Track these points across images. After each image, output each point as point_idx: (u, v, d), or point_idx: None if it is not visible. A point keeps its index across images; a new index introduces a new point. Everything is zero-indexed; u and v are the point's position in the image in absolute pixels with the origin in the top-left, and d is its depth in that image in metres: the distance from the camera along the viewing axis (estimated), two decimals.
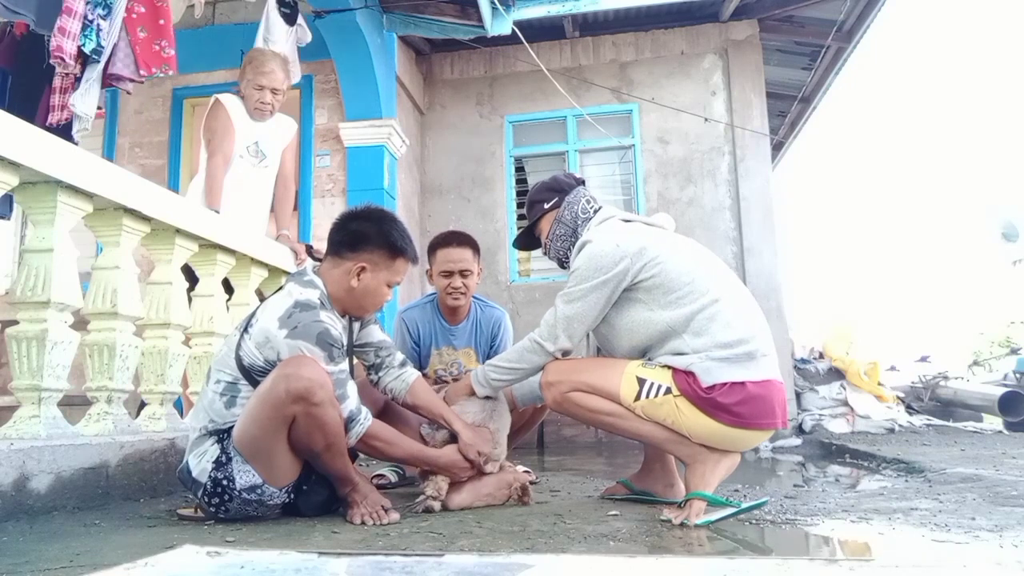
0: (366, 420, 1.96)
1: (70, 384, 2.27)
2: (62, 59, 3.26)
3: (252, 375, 1.91)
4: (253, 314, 2.01)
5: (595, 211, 2.25)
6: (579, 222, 2.23)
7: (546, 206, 2.27)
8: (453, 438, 2.13)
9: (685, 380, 1.91)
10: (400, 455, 2.13)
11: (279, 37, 4.70)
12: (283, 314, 1.89)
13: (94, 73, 3.50)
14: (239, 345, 1.94)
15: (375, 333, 2.24)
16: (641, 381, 1.96)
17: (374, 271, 2.02)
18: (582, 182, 2.34)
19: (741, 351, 1.91)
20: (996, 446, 4.43)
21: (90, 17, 3.38)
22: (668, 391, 1.92)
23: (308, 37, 4.98)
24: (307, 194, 5.62)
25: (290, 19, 4.91)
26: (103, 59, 3.49)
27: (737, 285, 2.09)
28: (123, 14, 3.54)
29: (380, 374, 2.23)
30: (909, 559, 1.40)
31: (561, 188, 2.28)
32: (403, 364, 2.25)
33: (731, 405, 1.87)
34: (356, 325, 2.21)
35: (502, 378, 2.19)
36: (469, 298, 3.03)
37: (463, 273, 2.93)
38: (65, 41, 3.23)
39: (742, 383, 1.88)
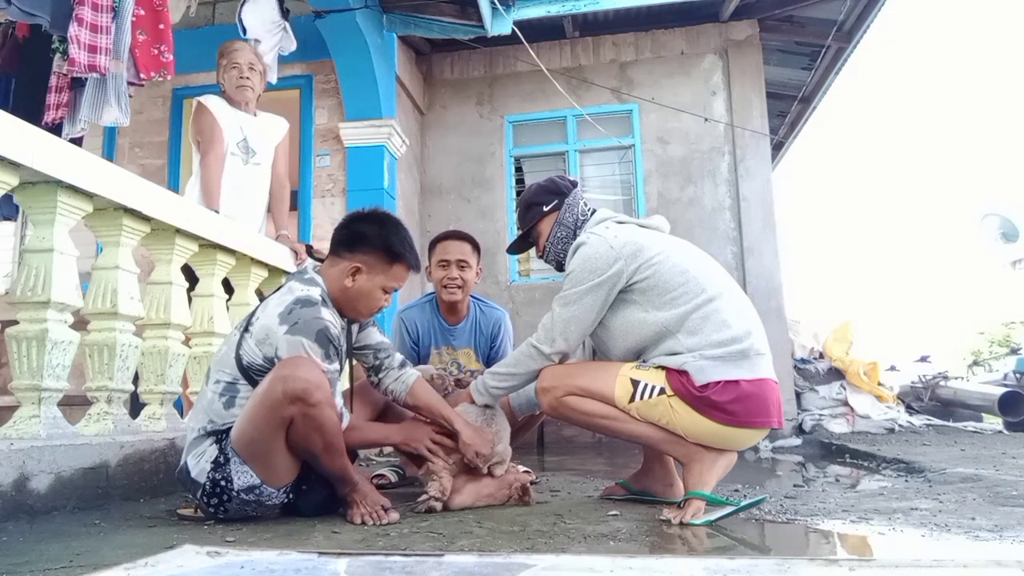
0: (344, 419, 1.98)
1: (70, 384, 2.27)
2: (72, 71, 3.29)
3: (251, 374, 1.91)
4: (253, 313, 2.01)
5: (591, 213, 2.25)
6: (579, 224, 2.22)
7: (545, 209, 2.26)
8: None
9: (679, 380, 1.91)
10: (362, 443, 2.21)
11: (265, 19, 4.68)
12: (284, 310, 1.90)
13: (107, 78, 3.50)
14: (239, 344, 1.94)
15: (374, 335, 2.24)
16: (635, 383, 1.96)
17: (369, 273, 2.02)
18: (576, 184, 2.34)
19: (735, 349, 1.91)
20: (996, 446, 4.43)
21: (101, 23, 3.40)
22: (662, 391, 1.93)
23: (292, 46, 4.96)
24: (307, 194, 5.62)
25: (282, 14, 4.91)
26: (110, 61, 3.49)
27: (732, 285, 2.09)
28: (132, 18, 3.55)
29: (380, 376, 2.23)
30: (909, 559, 1.40)
31: (560, 190, 2.27)
32: (402, 365, 2.25)
33: (725, 403, 1.87)
34: (355, 328, 2.21)
35: (501, 385, 2.19)
36: (467, 294, 3.02)
37: (460, 264, 2.92)
38: (80, 53, 3.25)
39: (736, 381, 1.89)
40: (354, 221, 2.09)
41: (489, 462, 2.13)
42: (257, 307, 2.05)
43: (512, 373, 2.17)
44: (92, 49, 3.31)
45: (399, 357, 2.26)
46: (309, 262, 2.22)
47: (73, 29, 3.24)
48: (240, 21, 4.62)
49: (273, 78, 4.86)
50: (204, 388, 2.01)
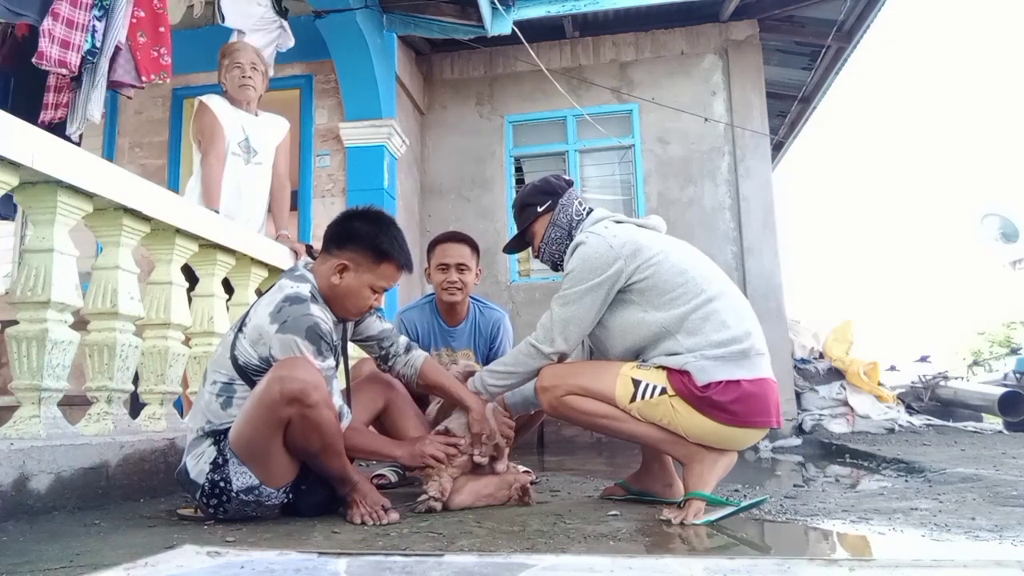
0: (346, 418, 1.98)
1: (70, 384, 2.27)
2: (40, 64, 3.27)
3: (247, 374, 1.91)
4: (247, 313, 2.01)
5: (587, 212, 2.24)
6: (573, 224, 2.21)
7: (539, 209, 2.25)
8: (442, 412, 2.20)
9: (680, 380, 1.91)
10: (363, 450, 2.15)
11: (253, 14, 4.68)
12: (274, 309, 1.90)
13: (96, 76, 3.49)
14: (234, 344, 1.94)
15: (373, 326, 2.22)
16: (636, 382, 1.96)
17: (356, 271, 2.00)
18: (571, 183, 2.33)
19: (735, 349, 1.91)
20: (996, 446, 4.43)
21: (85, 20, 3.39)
22: (663, 391, 1.92)
23: (290, 42, 4.94)
24: (307, 194, 5.62)
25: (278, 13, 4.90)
26: (99, 60, 3.48)
27: (730, 285, 2.09)
28: (128, 18, 3.54)
29: (389, 364, 2.24)
30: (909, 559, 1.40)
31: (554, 190, 2.27)
32: (408, 349, 2.24)
33: (727, 403, 1.87)
34: (351, 324, 2.20)
35: (499, 383, 2.19)
36: (466, 296, 3.02)
37: (459, 267, 2.93)
38: (51, 47, 3.23)
39: (737, 381, 1.89)
40: (347, 218, 2.08)
41: (494, 441, 2.12)
42: (251, 307, 2.04)
43: (511, 371, 2.17)
44: (64, 45, 3.29)
45: (403, 341, 2.26)
46: (304, 259, 2.21)
47: (47, 23, 3.22)
48: (219, 9, 4.60)
49: (270, 72, 4.84)
50: (201, 389, 2.01)
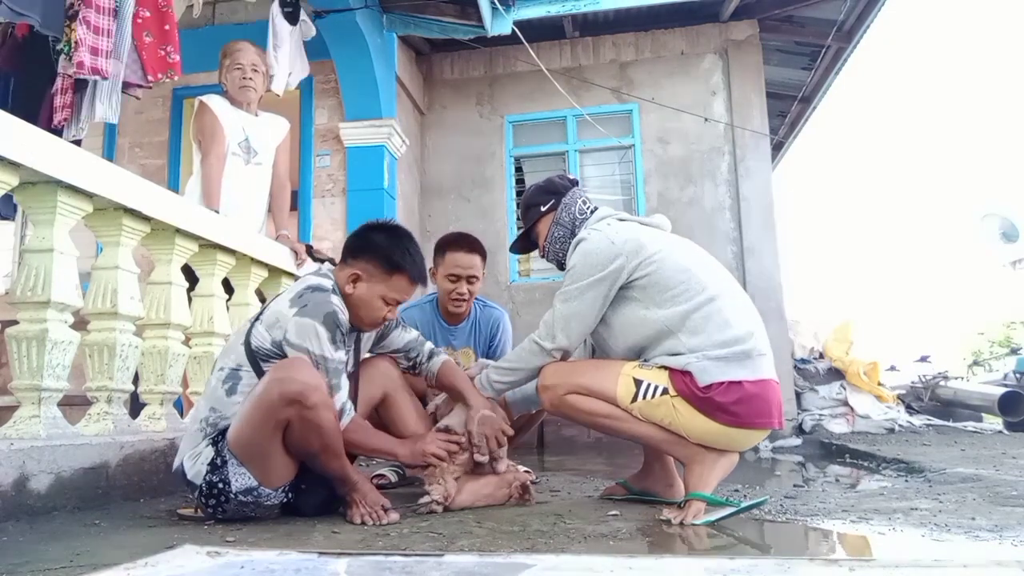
0: (348, 414, 1.99)
1: (70, 384, 2.27)
2: (79, 73, 3.29)
3: (257, 359, 1.93)
4: (267, 305, 2.07)
5: (591, 211, 2.25)
6: (576, 223, 2.22)
7: (543, 209, 2.27)
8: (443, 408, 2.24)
9: (682, 380, 1.91)
10: (364, 447, 2.15)
11: (283, 39, 4.73)
12: (295, 295, 1.96)
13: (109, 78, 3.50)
14: (250, 331, 1.98)
15: (398, 339, 2.30)
16: (638, 382, 1.96)
17: (369, 282, 2.03)
18: (576, 183, 2.34)
19: (738, 350, 1.91)
20: (996, 446, 4.43)
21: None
22: (665, 392, 1.92)
23: (312, 31, 5.02)
24: (307, 194, 5.61)
25: (292, 18, 4.92)
26: (111, 63, 3.49)
27: (733, 284, 2.09)
28: (138, 20, 3.55)
29: (417, 371, 2.33)
30: (909, 559, 1.40)
31: (556, 190, 2.28)
32: (431, 356, 2.31)
33: (728, 404, 1.87)
34: (368, 336, 2.24)
35: (503, 379, 2.19)
36: (471, 303, 3.04)
37: (470, 279, 2.93)
38: (86, 55, 3.26)
39: (739, 382, 1.88)
40: (365, 230, 2.14)
41: (480, 444, 2.12)
42: (271, 299, 2.12)
43: (514, 368, 2.18)
44: (94, 52, 3.32)
45: (427, 349, 2.32)
46: (327, 264, 2.27)
47: (80, 32, 3.25)
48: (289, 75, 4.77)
49: (305, 71, 4.94)
50: (209, 377, 2.05)
